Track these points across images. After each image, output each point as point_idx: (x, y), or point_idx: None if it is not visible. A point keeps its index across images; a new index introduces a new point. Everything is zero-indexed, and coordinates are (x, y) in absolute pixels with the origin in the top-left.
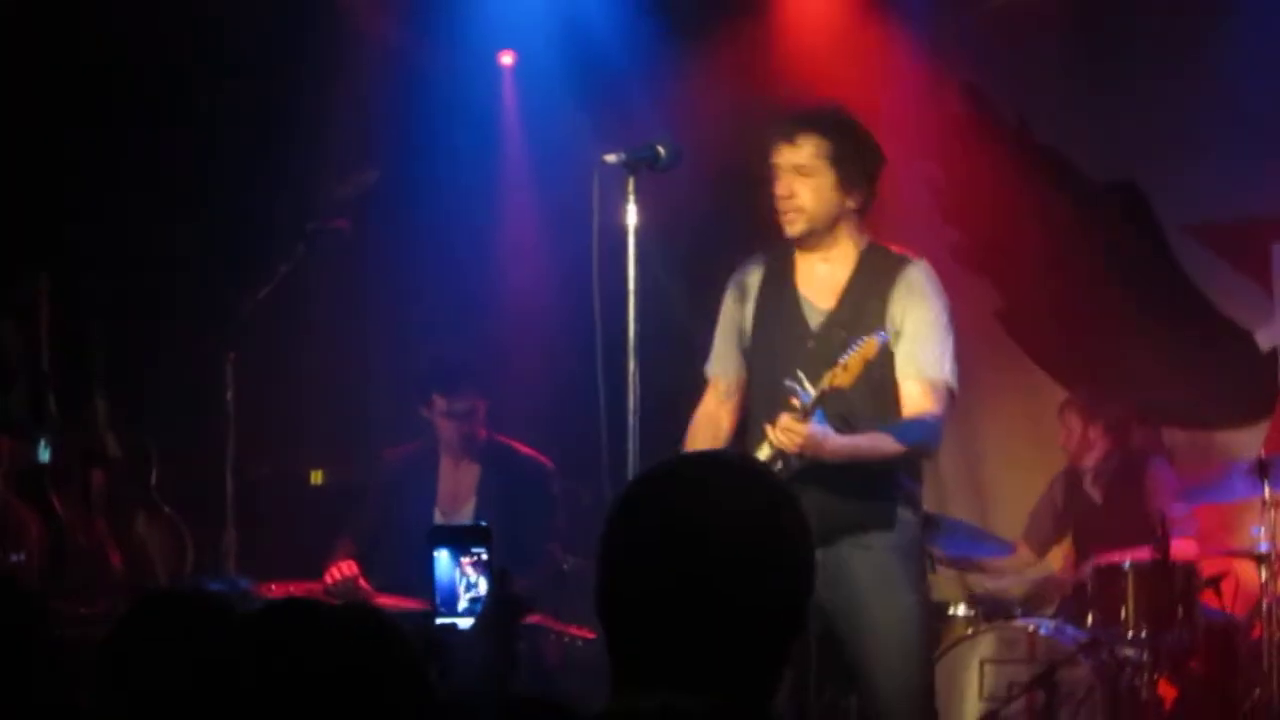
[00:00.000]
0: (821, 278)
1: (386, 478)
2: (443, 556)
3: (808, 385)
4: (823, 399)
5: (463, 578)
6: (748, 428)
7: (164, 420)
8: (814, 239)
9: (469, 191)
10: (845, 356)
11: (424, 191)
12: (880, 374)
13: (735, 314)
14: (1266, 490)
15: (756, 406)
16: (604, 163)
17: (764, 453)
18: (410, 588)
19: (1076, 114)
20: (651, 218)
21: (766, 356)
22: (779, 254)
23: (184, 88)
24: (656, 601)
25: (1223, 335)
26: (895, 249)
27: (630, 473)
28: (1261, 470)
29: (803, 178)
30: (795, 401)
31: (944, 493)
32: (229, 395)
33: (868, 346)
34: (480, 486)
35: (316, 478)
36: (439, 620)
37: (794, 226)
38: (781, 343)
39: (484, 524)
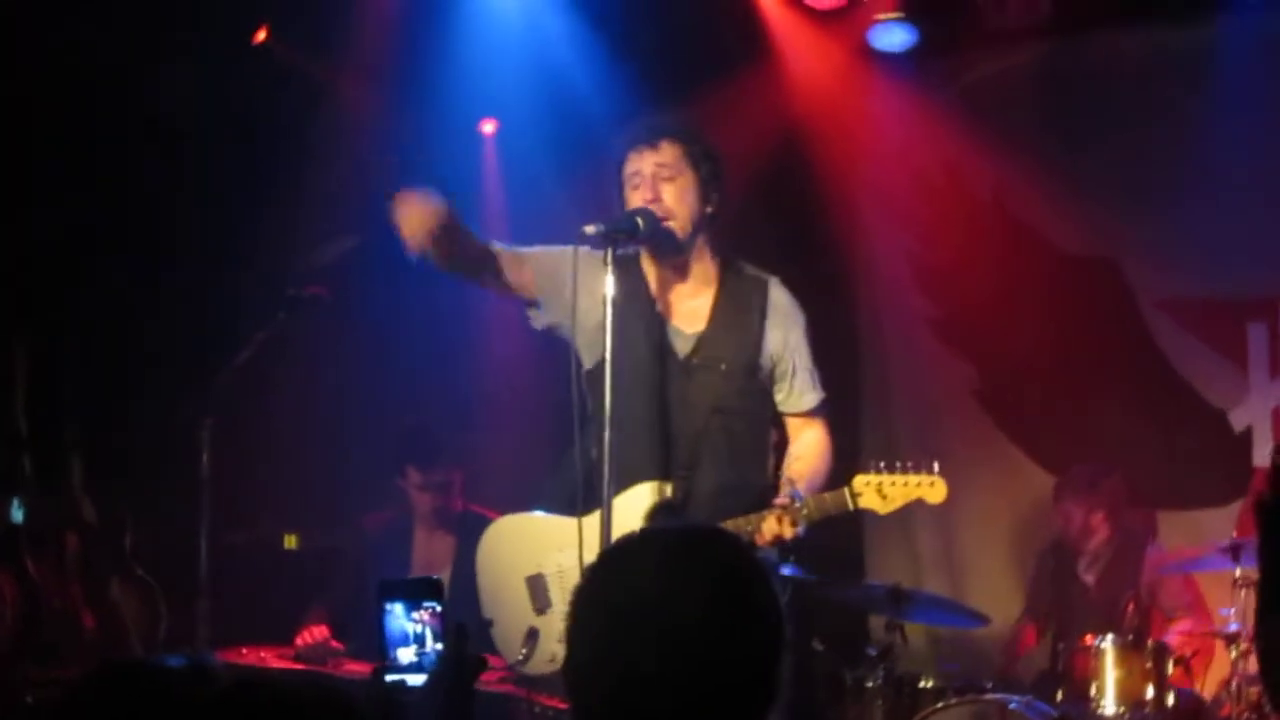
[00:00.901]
0: (683, 298)
1: (362, 546)
2: (396, 610)
3: (799, 487)
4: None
5: (416, 632)
6: (598, 457)
7: (139, 485)
8: (683, 252)
9: None
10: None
11: (403, 258)
12: (757, 403)
13: (580, 285)
14: (1238, 570)
15: (629, 441)
16: (584, 233)
17: (647, 495)
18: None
19: (1053, 188)
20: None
21: (632, 386)
22: (623, 265)
23: (161, 153)
24: (622, 678)
25: (1198, 414)
26: (749, 267)
27: (607, 542)
28: (1234, 552)
29: (666, 181)
30: (784, 500)
31: (920, 567)
32: (205, 460)
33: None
34: (456, 557)
35: (290, 542)
36: (389, 676)
37: (680, 231)
38: (649, 374)
39: (436, 578)
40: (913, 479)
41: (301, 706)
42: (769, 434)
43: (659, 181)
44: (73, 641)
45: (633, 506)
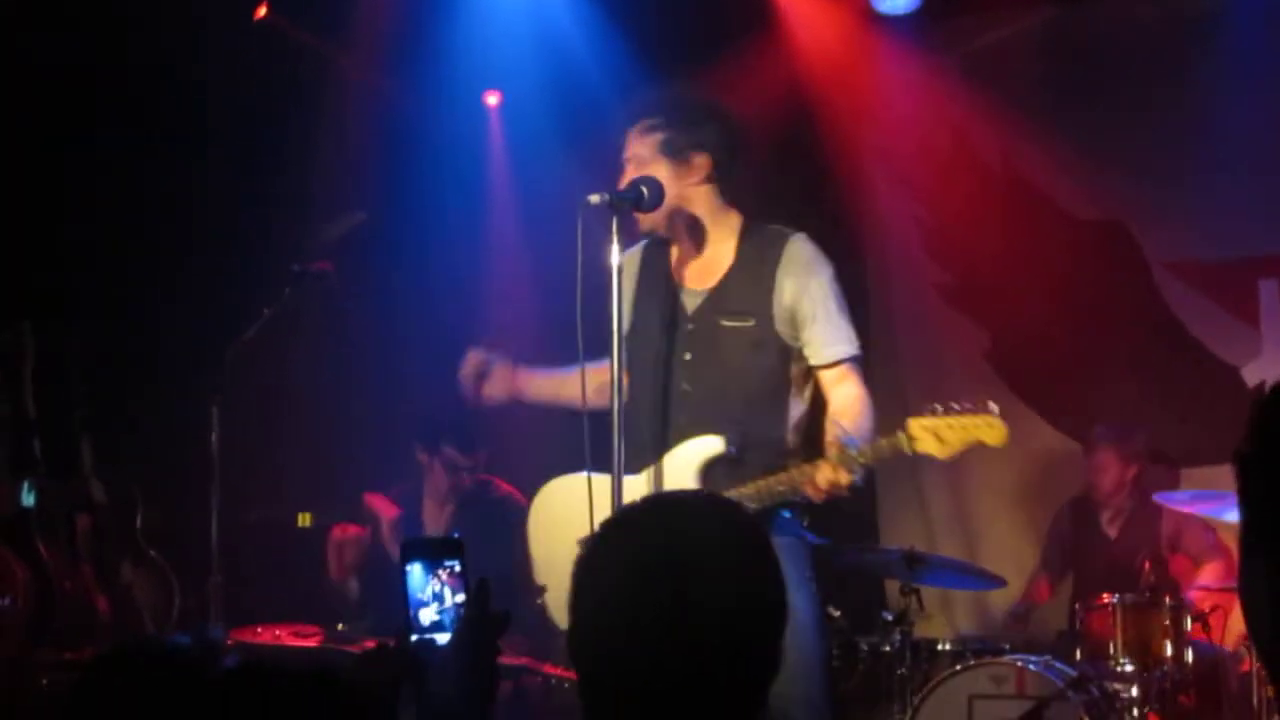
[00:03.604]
0: (699, 260)
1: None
2: (415, 570)
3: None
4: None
5: (436, 591)
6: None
7: (149, 465)
8: (679, 225)
9: (455, 232)
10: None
11: (410, 232)
12: (774, 358)
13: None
14: None
15: (638, 397)
16: (588, 203)
17: (701, 449)
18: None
19: (1061, 152)
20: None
21: (645, 346)
22: (656, 241)
23: (168, 131)
24: (628, 646)
25: (1211, 372)
26: (773, 225)
27: (618, 505)
28: None
29: (639, 169)
30: (837, 450)
31: (933, 531)
32: (214, 439)
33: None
34: (452, 522)
35: (305, 520)
36: (414, 637)
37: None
38: (659, 331)
39: (456, 535)
40: (969, 420)
41: (310, 694)
42: (788, 390)
43: (635, 172)
44: (86, 624)
45: (685, 461)
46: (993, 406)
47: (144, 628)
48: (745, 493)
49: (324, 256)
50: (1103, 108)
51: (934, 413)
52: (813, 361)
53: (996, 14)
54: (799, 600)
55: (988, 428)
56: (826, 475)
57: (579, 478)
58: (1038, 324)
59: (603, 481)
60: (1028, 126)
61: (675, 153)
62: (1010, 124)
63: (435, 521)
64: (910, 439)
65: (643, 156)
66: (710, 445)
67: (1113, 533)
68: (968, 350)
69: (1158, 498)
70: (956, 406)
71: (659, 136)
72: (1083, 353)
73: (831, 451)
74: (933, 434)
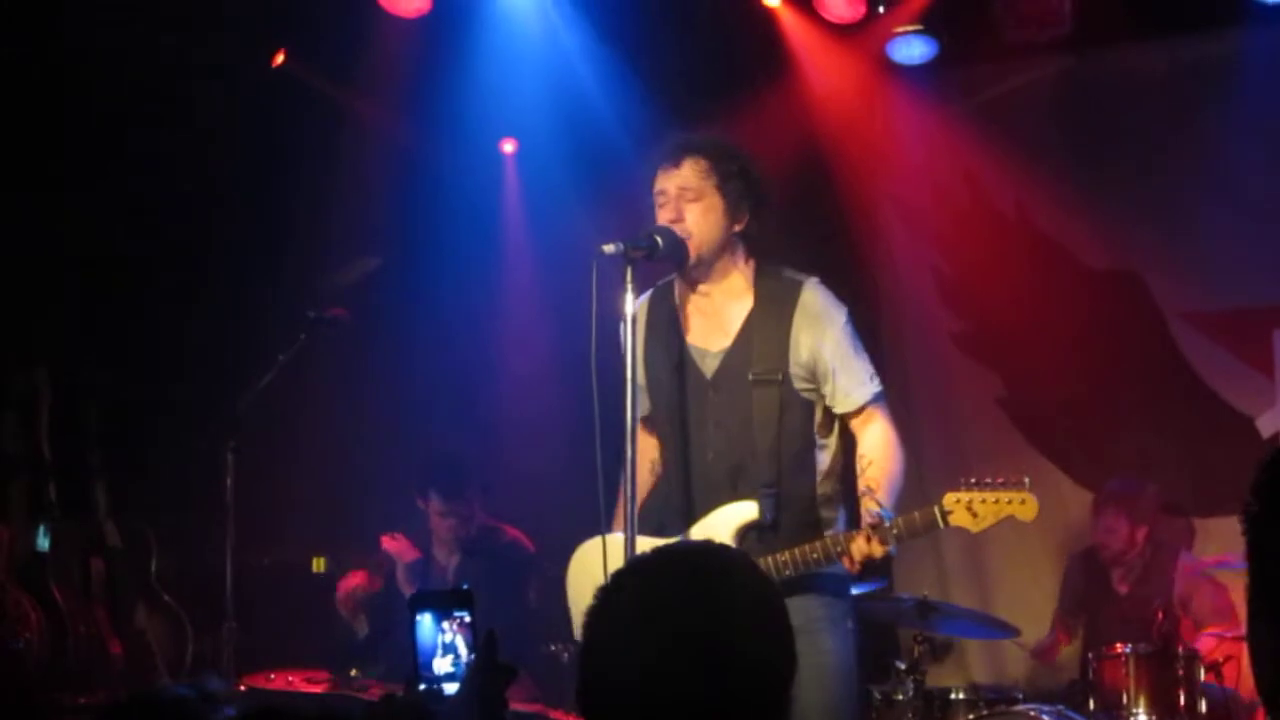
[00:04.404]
0: (709, 316)
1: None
2: (425, 621)
3: (879, 495)
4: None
5: (446, 642)
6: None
7: (164, 509)
8: (702, 269)
9: (469, 279)
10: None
11: (424, 279)
12: (797, 414)
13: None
14: None
15: (667, 463)
16: (602, 253)
17: (735, 515)
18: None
19: (1074, 201)
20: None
21: (664, 410)
22: (659, 293)
23: (184, 177)
24: (642, 691)
25: (1225, 422)
26: (787, 271)
27: (629, 557)
28: None
29: (688, 202)
30: (872, 520)
31: (946, 579)
32: (229, 484)
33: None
34: (458, 569)
35: (319, 565)
36: (422, 686)
37: (695, 251)
38: (680, 398)
39: (465, 587)
40: (1003, 496)
41: None
42: (814, 443)
43: (682, 202)
44: (99, 667)
45: (722, 527)
46: (1026, 481)
47: (157, 672)
48: (781, 560)
49: (339, 301)
50: (1116, 157)
51: (968, 486)
52: (839, 411)
53: (1010, 64)
54: (834, 641)
55: (1020, 504)
56: (861, 548)
57: (616, 537)
58: (1052, 373)
59: (644, 543)
60: (1042, 176)
61: (729, 197)
62: (1024, 173)
63: (444, 568)
64: (944, 513)
65: (696, 189)
66: (745, 511)
67: (1123, 589)
68: (982, 398)
69: (1198, 574)
70: (990, 481)
71: (715, 178)
72: (1097, 401)
73: (866, 526)
74: (966, 508)
